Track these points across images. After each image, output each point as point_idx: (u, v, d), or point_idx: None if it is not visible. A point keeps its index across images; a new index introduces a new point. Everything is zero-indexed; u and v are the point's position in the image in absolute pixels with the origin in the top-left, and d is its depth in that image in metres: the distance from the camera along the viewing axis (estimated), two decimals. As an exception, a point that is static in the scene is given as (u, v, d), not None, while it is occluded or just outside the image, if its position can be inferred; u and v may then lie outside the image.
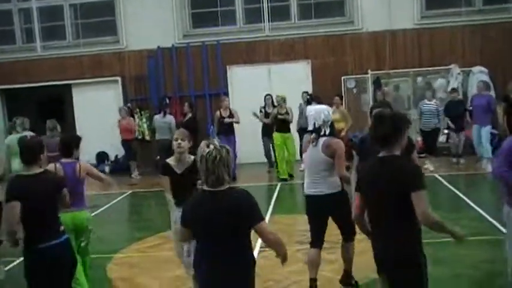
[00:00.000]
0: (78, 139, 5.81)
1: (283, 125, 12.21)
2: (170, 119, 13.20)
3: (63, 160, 5.62)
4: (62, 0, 15.66)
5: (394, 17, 14.41)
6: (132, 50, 15.21)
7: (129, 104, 14.77)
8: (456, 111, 12.50)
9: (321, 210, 5.46)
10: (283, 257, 3.75)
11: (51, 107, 14.51)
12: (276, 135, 12.32)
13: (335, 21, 15.01)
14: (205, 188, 3.48)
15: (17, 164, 7.32)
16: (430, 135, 12.82)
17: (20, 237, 4.30)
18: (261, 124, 13.04)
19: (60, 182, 4.71)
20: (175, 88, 14.99)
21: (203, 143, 3.48)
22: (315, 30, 14.86)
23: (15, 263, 7.07)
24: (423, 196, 3.45)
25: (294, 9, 15.11)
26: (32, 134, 7.79)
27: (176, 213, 5.04)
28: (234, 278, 3.47)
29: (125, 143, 13.70)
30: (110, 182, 6.46)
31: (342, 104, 13.01)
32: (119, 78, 15.33)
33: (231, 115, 12.65)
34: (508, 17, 14.35)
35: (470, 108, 12.58)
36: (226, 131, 12.50)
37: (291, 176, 12.40)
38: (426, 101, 12.89)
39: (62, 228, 4.49)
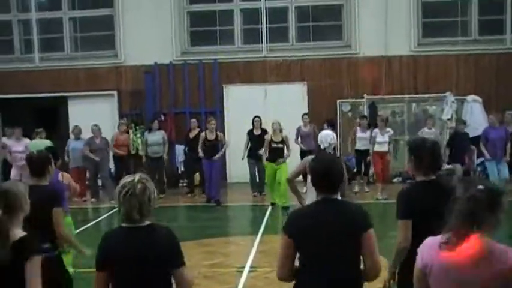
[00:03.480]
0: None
1: (275, 154, 11.30)
2: (162, 134, 13.32)
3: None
4: (61, 13, 15.72)
5: (391, 42, 14.55)
6: (130, 65, 15.25)
7: (124, 119, 14.76)
8: (461, 144, 11.93)
9: None
10: None
11: (46, 119, 14.52)
12: (267, 165, 11.44)
13: (332, 45, 15.14)
14: (122, 224, 3.26)
15: None
16: None
17: None
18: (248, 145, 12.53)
19: (53, 197, 4.77)
20: (170, 105, 15.01)
21: (127, 176, 3.29)
22: (312, 53, 14.97)
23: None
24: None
25: (292, 31, 15.23)
26: (48, 142, 11.13)
27: None
28: None
29: (119, 158, 13.41)
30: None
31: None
32: (115, 93, 15.34)
33: (216, 139, 12.09)
34: (502, 47, 14.53)
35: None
36: (211, 154, 11.91)
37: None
38: (426, 129, 12.69)
39: (47, 245, 4.37)
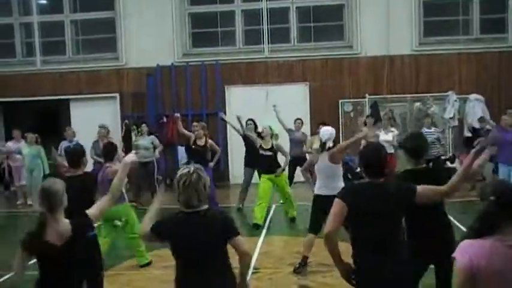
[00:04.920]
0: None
1: (268, 164, 9.88)
2: (152, 139, 12.42)
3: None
4: (63, 16, 15.76)
5: (392, 42, 14.54)
6: (131, 67, 15.27)
7: (126, 121, 14.78)
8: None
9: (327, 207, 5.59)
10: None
11: (48, 121, 14.55)
12: (263, 179, 9.99)
13: (334, 45, 15.14)
14: (182, 209, 3.72)
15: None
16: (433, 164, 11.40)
17: None
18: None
19: (90, 184, 5.47)
20: (173, 107, 15.02)
21: (183, 168, 3.76)
22: (313, 53, 14.97)
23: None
24: None
25: (293, 32, 15.23)
26: (38, 148, 11.89)
27: None
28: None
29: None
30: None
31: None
32: (117, 95, 15.37)
33: (205, 146, 10.96)
34: (504, 46, 14.52)
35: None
36: (201, 160, 10.19)
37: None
38: (425, 129, 12.04)
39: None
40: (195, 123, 11.58)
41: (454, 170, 4.40)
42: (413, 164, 4.66)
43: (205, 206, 3.72)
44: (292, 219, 10.09)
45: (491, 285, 2.67)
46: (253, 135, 10.66)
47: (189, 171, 3.67)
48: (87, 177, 5.58)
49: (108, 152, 6.44)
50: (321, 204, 6.60)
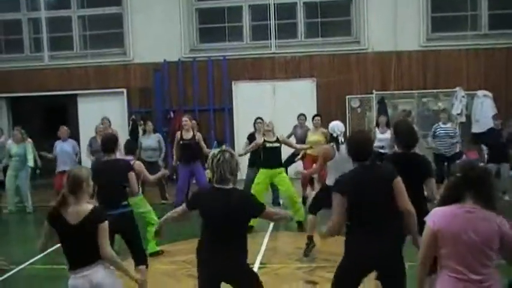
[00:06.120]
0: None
1: (272, 157, 9.09)
2: (157, 137, 12.07)
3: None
4: (70, 12, 15.79)
5: (400, 38, 14.48)
6: (139, 62, 15.29)
7: (133, 116, 14.82)
8: (498, 141, 11.11)
9: None
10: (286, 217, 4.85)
11: (56, 117, 14.58)
12: (261, 172, 9.16)
13: (341, 41, 15.09)
14: (214, 185, 4.26)
15: None
16: (449, 162, 11.05)
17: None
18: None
19: (127, 168, 6.19)
20: (180, 102, 15.04)
21: (214, 149, 4.46)
22: (321, 49, 14.94)
23: (13, 271, 7.07)
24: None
25: (300, 27, 15.20)
26: (28, 145, 11.56)
27: None
28: (234, 257, 4.24)
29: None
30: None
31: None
32: (124, 90, 15.39)
33: (193, 138, 10.39)
34: (513, 42, 14.43)
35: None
36: (189, 157, 10.26)
37: (300, 224, 9.03)
38: (441, 124, 11.82)
39: (124, 203, 5.91)
40: (184, 118, 10.75)
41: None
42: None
43: (234, 186, 4.27)
44: (299, 224, 9.03)
45: (449, 243, 3.32)
46: (260, 139, 9.49)
47: (222, 150, 4.25)
48: (120, 162, 6.28)
49: (110, 142, 6.22)
50: (330, 194, 6.74)
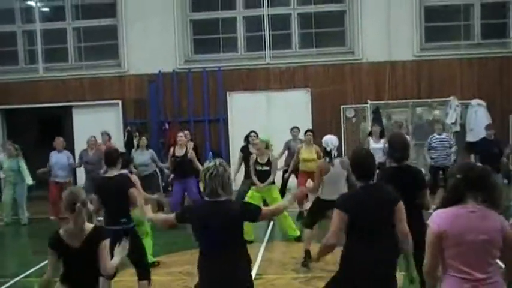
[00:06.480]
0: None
1: (262, 178, 9.13)
2: (150, 153, 11.14)
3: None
4: (65, 23, 15.83)
5: (394, 48, 14.55)
6: (134, 74, 15.31)
7: (128, 127, 14.82)
8: (490, 151, 10.71)
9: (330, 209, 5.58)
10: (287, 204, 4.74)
11: (51, 128, 14.55)
12: (252, 192, 9.21)
13: (335, 51, 15.16)
14: (206, 198, 4.19)
15: None
16: (445, 171, 10.85)
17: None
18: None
19: (129, 184, 6.13)
20: (175, 113, 15.05)
21: (208, 161, 4.27)
22: (315, 59, 15.00)
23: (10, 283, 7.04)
24: None
25: (295, 38, 15.26)
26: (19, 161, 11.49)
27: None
28: (234, 273, 4.07)
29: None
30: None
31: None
32: (119, 102, 15.40)
33: (185, 155, 10.30)
34: (506, 51, 14.51)
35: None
36: (183, 172, 10.26)
37: (299, 238, 8.97)
38: (436, 135, 11.65)
39: (123, 220, 5.94)
40: (180, 134, 10.73)
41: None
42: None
43: (227, 197, 4.17)
44: (297, 239, 8.97)
45: (453, 244, 3.32)
46: (253, 157, 9.46)
47: (215, 164, 4.15)
48: (121, 178, 6.22)
49: (112, 158, 6.27)
50: (324, 207, 7.21)
